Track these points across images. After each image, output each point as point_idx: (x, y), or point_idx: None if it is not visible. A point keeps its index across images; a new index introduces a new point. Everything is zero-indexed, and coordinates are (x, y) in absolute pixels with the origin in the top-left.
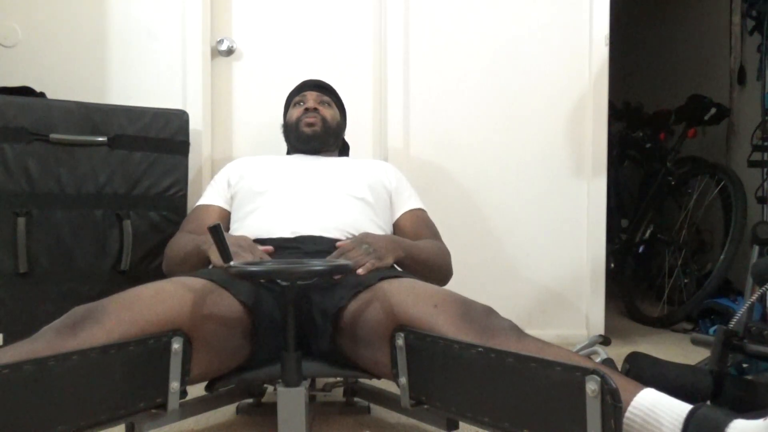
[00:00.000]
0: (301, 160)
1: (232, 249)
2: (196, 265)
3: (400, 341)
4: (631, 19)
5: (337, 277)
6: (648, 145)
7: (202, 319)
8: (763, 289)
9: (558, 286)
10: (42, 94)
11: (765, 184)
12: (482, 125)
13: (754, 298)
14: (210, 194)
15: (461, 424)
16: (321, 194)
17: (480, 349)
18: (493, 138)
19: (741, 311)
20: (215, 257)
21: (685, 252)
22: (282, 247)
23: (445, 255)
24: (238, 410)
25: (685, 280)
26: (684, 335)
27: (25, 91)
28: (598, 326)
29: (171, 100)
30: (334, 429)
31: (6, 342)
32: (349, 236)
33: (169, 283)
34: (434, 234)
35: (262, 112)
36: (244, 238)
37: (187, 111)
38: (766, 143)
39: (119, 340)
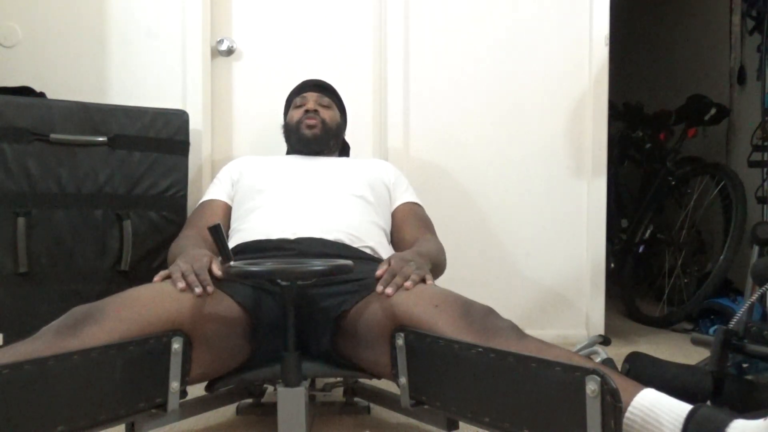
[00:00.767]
0: (301, 160)
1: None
2: None
3: (400, 341)
4: (631, 19)
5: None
6: (648, 145)
7: (202, 319)
8: (763, 289)
9: (558, 286)
10: (42, 94)
11: (765, 184)
12: (482, 125)
13: (754, 298)
14: (214, 190)
15: (461, 424)
16: (321, 195)
17: (480, 349)
18: (492, 138)
19: (741, 311)
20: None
21: (685, 252)
22: (283, 248)
23: (441, 252)
24: (238, 410)
25: (685, 280)
26: (684, 335)
27: (25, 91)
28: (598, 326)
29: (171, 100)
30: (334, 429)
31: (6, 342)
32: (350, 237)
33: (169, 283)
34: (427, 227)
35: (262, 112)
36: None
37: (187, 111)
38: (766, 143)
39: (119, 340)
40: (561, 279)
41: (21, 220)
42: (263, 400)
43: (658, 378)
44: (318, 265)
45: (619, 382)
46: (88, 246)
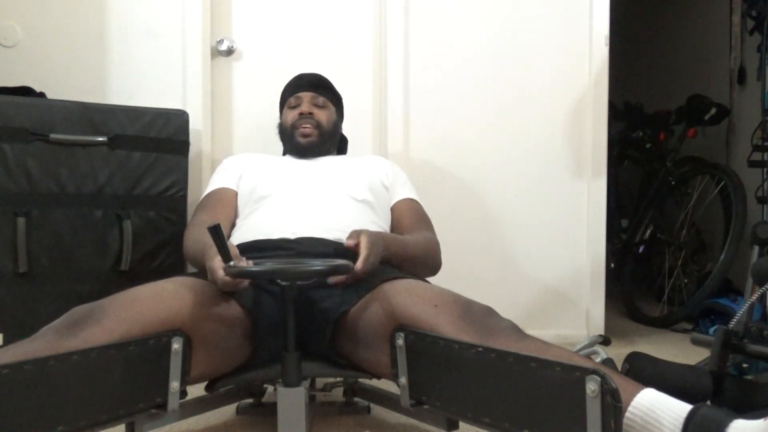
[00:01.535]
0: (299, 161)
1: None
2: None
3: (400, 341)
4: (631, 19)
5: (335, 279)
6: (648, 145)
7: (202, 319)
8: (763, 289)
9: (558, 286)
10: (42, 94)
11: (765, 184)
12: (482, 125)
13: (754, 298)
14: (221, 178)
15: (461, 424)
16: (321, 195)
17: (480, 349)
18: (492, 138)
19: (741, 311)
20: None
21: (685, 252)
22: (283, 248)
23: (433, 247)
24: (238, 410)
25: (685, 280)
26: (684, 335)
27: (25, 91)
28: (598, 326)
29: (171, 100)
30: (334, 429)
31: (6, 342)
32: None
33: (169, 283)
34: (425, 224)
35: (262, 112)
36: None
37: (187, 111)
38: (766, 143)
39: (119, 340)
40: (561, 279)
41: (21, 220)
42: (263, 400)
43: (658, 378)
44: (318, 265)
45: (619, 382)
46: (88, 246)
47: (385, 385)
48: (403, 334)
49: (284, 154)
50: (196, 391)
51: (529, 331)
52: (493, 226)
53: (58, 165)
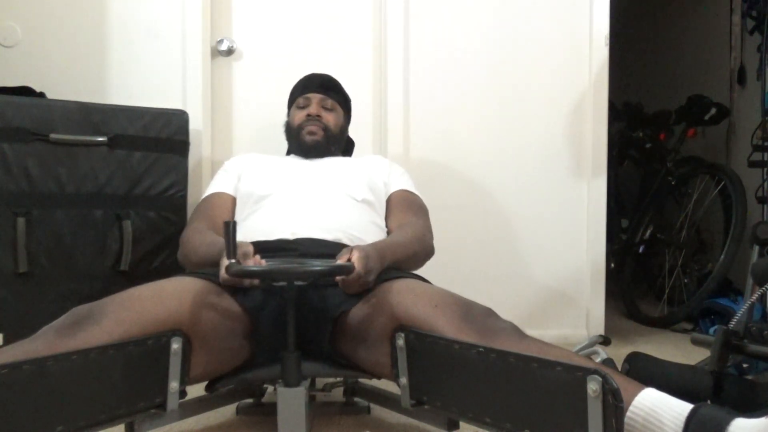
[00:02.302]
0: (301, 161)
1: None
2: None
3: (400, 341)
4: (631, 19)
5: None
6: (648, 145)
7: (201, 319)
8: (763, 289)
9: (558, 285)
10: (42, 94)
11: (765, 184)
12: (482, 125)
13: (754, 298)
14: (219, 183)
15: (461, 424)
16: (320, 196)
17: (481, 349)
18: (492, 138)
19: (741, 311)
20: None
21: (685, 252)
22: (282, 248)
23: (423, 237)
24: (238, 410)
25: (685, 280)
26: (684, 335)
27: (25, 91)
28: (598, 326)
29: (171, 100)
30: (334, 429)
31: (6, 342)
32: (350, 238)
33: (169, 283)
34: (414, 211)
35: (262, 112)
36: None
37: (187, 111)
38: (766, 143)
39: (119, 340)
40: (561, 279)
41: (21, 220)
42: (263, 400)
43: (658, 378)
44: (317, 265)
45: (620, 382)
46: (88, 246)
47: (385, 385)
48: (403, 335)
49: (288, 153)
50: (196, 391)
51: (529, 331)
52: (493, 226)
53: (58, 165)
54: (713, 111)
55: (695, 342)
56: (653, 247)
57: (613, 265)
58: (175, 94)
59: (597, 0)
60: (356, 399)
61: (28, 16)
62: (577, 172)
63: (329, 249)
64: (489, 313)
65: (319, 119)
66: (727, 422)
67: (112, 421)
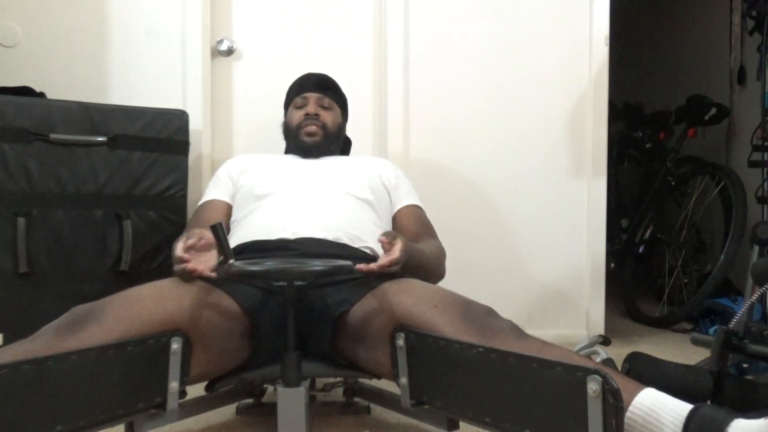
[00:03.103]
0: (301, 160)
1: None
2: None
3: (400, 341)
4: (631, 19)
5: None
6: (648, 145)
7: (201, 319)
8: (763, 289)
9: (558, 286)
10: (42, 94)
11: (765, 184)
12: (482, 125)
13: (754, 298)
14: (214, 190)
15: (462, 424)
16: (321, 195)
17: (481, 349)
18: (492, 138)
19: (741, 311)
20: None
21: (685, 252)
22: (282, 247)
23: (441, 256)
24: (238, 410)
25: (685, 280)
26: (684, 335)
27: (25, 91)
28: (598, 326)
29: (171, 100)
30: (334, 429)
31: (6, 342)
32: (350, 237)
33: (169, 282)
34: (430, 232)
35: (262, 112)
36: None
37: (187, 111)
38: (766, 143)
39: (118, 339)
40: (561, 279)
41: (21, 220)
42: (263, 400)
43: (658, 378)
44: (318, 265)
45: (620, 382)
46: (88, 246)
47: (385, 385)
48: (403, 334)
49: (286, 152)
50: (196, 391)
51: (529, 331)
52: (493, 226)
53: (58, 165)
54: (713, 111)
55: (695, 342)
56: (653, 247)
57: (613, 265)
58: (175, 94)
59: (597, 0)
60: (356, 399)
61: (28, 16)
62: (577, 172)
63: (329, 248)
64: (489, 312)
65: (317, 118)
66: (727, 423)
67: (111, 421)
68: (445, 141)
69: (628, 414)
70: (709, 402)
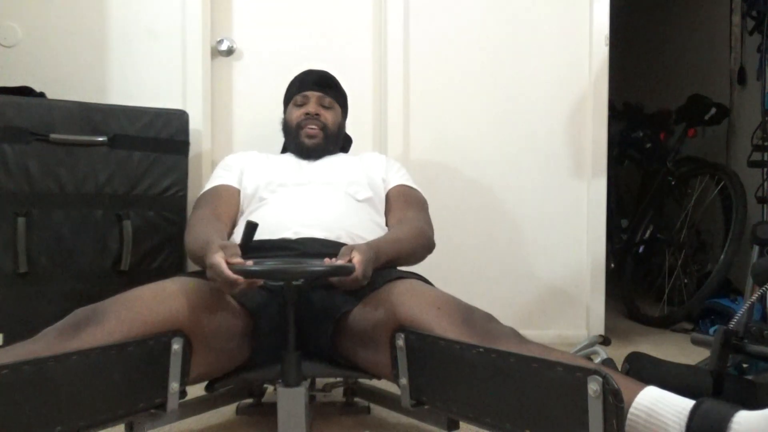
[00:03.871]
0: (301, 161)
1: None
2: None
3: (400, 342)
4: (631, 19)
5: (336, 280)
6: (648, 145)
7: (202, 319)
8: (763, 289)
9: (558, 285)
10: (42, 94)
11: (765, 184)
12: (482, 125)
13: (754, 298)
14: (226, 175)
15: (461, 424)
16: (322, 195)
17: (481, 350)
18: (492, 138)
19: (741, 311)
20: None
21: (685, 252)
22: (284, 247)
23: (419, 236)
24: (238, 410)
25: (685, 280)
26: (684, 335)
27: (25, 91)
28: (598, 326)
29: (171, 100)
30: (334, 429)
31: (6, 342)
32: (352, 237)
33: (170, 283)
34: (413, 206)
35: (262, 112)
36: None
37: (187, 111)
38: (766, 143)
39: (119, 340)
40: (561, 279)
41: (21, 220)
42: (263, 400)
43: (658, 378)
44: (317, 265)
45: (621, 382)
46: (88, 246)
47: (385, 385)
48: (403, 335)
49: (284, 149)
50: (196, 391)
51: (529, 331)
52: (493, 226)
53: (58, 165)
54: (713, 111)
55: (695, 342)
56: (653, 247)
57: (613, 265)
58: (175, 94)
59: (597, 0)
60: (356, 399)
61: (28, 16)
62: (577, 172)
63: (331, 249)
64: (490, 318)
65: (318, 118)
66: (731, 415)
67: (112, 421)
68: (445, 142)
69: (630, 413)
70: None
